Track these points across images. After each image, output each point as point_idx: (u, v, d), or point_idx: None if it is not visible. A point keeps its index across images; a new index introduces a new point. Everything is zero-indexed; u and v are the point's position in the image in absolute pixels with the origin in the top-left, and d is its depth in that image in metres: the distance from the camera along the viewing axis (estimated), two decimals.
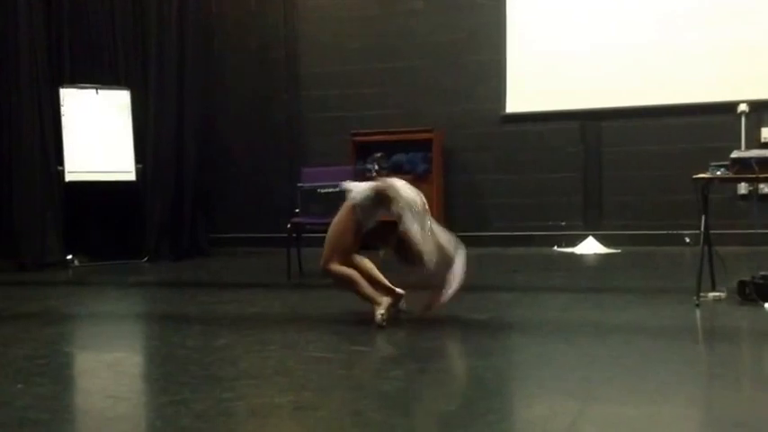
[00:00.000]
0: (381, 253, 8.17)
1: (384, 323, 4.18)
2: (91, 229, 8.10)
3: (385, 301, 4.30)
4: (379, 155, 8.64)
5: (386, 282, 4.42)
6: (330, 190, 6.54)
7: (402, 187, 4.27)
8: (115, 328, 4.87)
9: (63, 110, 7.87)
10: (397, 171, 8.50)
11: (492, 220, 8.52)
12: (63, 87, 7.94)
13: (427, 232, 4.13)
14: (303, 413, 2.87)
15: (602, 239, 7.99)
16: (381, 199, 4.25)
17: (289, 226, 6.52)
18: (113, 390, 3.28)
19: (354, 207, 4.34)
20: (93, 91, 8.04)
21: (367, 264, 4.47)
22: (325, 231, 4.38)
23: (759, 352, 3.86)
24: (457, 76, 8.62)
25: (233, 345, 3.99)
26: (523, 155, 8.42)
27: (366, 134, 8.66)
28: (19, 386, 3.25)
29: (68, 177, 7.85)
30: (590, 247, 7.97)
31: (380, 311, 4.23)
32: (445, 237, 4.22)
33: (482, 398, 3.05)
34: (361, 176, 8.31)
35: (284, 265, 6.45)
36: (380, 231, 4.46)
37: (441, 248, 4.15)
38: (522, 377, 3.45)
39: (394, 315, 4.34)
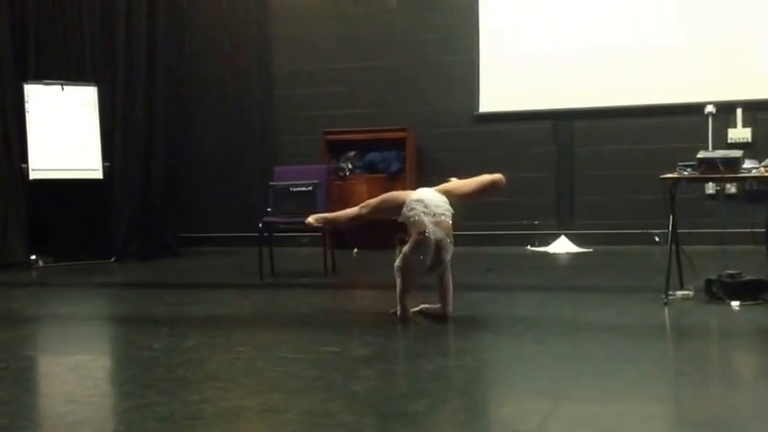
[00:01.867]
0: (354, 251, 8.19)
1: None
2: (56, 229, 7.95)
3: None
4: (352, 154, 8.62)
5: None
6: (302, 189, 6.51)
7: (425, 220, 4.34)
8: (79, 330, 4.78)
9: (27, 106, 7.71)
10: (371, 170, 8.50)
11: (465, 218, 8.49)
12: (27, 83, 7.79)
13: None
14: (272, 415, 2.83)
15: (575, 239, 8.03)
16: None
17: (260, 225, 6.47)
18: (76, 394, 3.21)
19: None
20: (59, 87, 7.90)
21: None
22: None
23: (726, 350, 3.89)
24: (430, 76, 8.61)
25: (201, 346, 3.93)
26: (496, 154, 8.41)
27: (339, 133, 8.63)
28: None
29: (33, 175, 7.69)
30: (562, 246, 8.01)
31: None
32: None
33: (453, 398, 3.04)
34: (335, 176, 8.32)
35: (256, 265, 6.40)
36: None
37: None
38: (493, 376, 3.44)
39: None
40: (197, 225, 9.23)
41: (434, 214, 4.32)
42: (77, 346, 4.25)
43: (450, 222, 4.37)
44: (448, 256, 4.34)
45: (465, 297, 4.89)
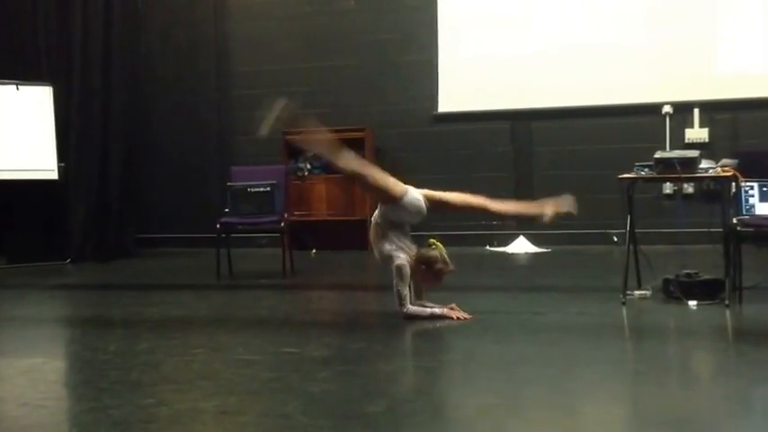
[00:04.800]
0: (313, 252, 8.15)
1: None
2: (10, 230, 7.81)
3: None
4: (310, 154, 8.57)
5: None
6: (260, 189, 6.45)
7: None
8: (33, 332, 4.68)
9: None
10: (329, 170, 8.45)
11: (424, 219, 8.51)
12: None
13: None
14: (228, 418, 2.79)
15: (533, 239, 8.09)
16: None
17: (218, 226, 6.39)
18: (29, 397, 3.14)
19: None
20: (14, 87, 7.75)
21: None
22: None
23: (683, 349, 3.94)
24: (389, 76, 8.61)
25: (156, 349, 3.87)
26: (455, 154, 8.45)
27: (297, 133, 8.55)
28: None
29: None
30: (521, 246, 8.06)
31: None
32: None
33: (411, 399, 3.03)
34: (293, 176, 8.27)
35: (214, 266, 6.32)
36: None
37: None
38: (451, 377, 3.44)
39: None
40: (154, 226, 9.11)
41: None
42: (31, 349, 4.16)
43: (372, 228, 4.62)
44: (377, 255, 4.57)
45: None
